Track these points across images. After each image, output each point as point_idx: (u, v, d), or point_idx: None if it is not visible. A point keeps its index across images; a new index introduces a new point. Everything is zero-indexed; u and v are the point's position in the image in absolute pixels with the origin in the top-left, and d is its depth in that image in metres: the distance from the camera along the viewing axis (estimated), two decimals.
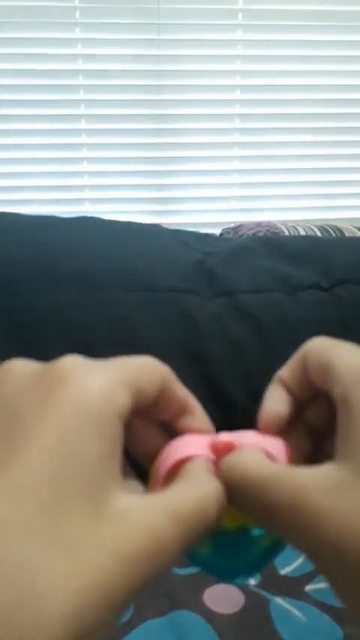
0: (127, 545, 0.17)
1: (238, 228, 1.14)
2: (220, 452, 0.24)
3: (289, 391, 0.25)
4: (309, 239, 0.77)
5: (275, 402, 0.25)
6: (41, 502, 0.16)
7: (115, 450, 0.19)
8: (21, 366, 0.20)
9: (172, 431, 0.25)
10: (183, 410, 0.24)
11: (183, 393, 0.24)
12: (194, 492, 0.20)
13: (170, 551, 0.18)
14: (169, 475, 0.23)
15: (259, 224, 1.12)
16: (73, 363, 0.20)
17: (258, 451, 0.23)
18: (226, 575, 0.24)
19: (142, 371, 0.21)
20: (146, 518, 0.18)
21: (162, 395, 0.23)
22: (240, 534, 0.24)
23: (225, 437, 0.24)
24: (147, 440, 0.24)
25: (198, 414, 0.25)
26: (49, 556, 0.15)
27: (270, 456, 0.23)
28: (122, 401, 0.19)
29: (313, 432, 0.26)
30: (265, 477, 0.20)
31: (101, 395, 0.19)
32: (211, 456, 0.23)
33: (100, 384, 0.19)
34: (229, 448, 0.24)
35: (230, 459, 0.22)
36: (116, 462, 0.19)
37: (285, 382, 0.25)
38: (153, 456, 0.24)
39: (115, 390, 0.19)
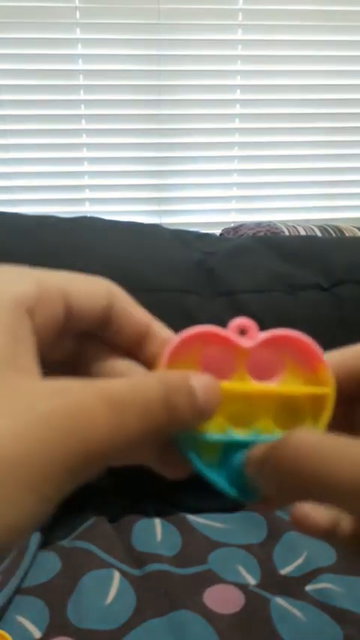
0: (40, 405, 0.16)
1: (238, 228, 1.14)
2: (241, 329, 0.21)
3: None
4: (309, 239, 0.77)
5: None
6: None
7: (14, 337, 0.18)
8: None
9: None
10: (143, 335, 0.22)
11: (142, 315, 0.22)
12: (133, 380, 0.19)
13: (100, 429, 0.16)
14: (175, 362, 0.21)
15: (259, 224, 1.12)
16: None
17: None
18: (235, 492, 0.21)
19: (78, 280, 0.21)
20: (68, 390, 0.17)
21: (113, 315, 0.22)
22: (250, 444, 0.21)
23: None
24: (107, 366, 0.23)
25: (161, 339, 0.23)
26: None
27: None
28: (20, 289, 0.18)
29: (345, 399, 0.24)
30: (323, 450, 0.18)
31: None
32: (227, 336, 0.21)
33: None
34: (249, 326, 0.22)
35: (277, 438, 0.19)
36: (21, 350, 0.18)
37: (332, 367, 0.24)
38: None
39: (15, 280, 0.19)
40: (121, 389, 0.18)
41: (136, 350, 0.23)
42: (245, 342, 0.22)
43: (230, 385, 0.21)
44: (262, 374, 0.22)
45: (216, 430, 0.21)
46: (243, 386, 0.21)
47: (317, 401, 0.22)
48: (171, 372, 0.20)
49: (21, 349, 0.18)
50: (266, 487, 0.19)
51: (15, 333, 0.18)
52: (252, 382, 0.22)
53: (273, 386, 0.22)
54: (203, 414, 0.19)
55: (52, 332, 0.20)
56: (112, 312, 0.22)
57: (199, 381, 0.19)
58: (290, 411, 0.22)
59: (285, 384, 0.22)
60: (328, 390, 0.22)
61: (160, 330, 0.23)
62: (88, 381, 0.17)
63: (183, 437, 0.20)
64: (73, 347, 0.22)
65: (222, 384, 0.21)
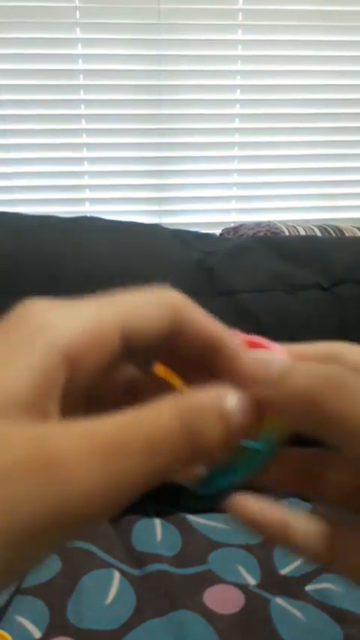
0: (10, 454, 0.14)
1: (238, 228, 1.14)
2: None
3: None
4: (309, 239, 0.77)
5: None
6: None
7: (38, 380, 0.16)
8: None
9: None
10: (214, 347, 0.20)
11: (212, 326, 0.20)
12: (137, 412, 0.16)
13: (81, 483, 0.14)
14: None
15: (259, 224, 1.12)
16: (37, 307, 0.18)
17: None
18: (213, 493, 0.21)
19: (139, 305, 0.19)
20: (44, 435, 0.15)
21: (180, 329, 0.20)
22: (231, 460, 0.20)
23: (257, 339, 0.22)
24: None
25: (231, 352, 0.21)
26: None
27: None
28: (65, 334, 0.17)
29: None
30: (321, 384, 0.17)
31: (36, 326, 0.17)
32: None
33: (47, 319, 0.18)
34: (262, 347, 0.22)
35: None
36: (35, 391, 0.16)
37: None
38: None
39: (65, 323, 0.17)
40: (118, 426, 0.15)
41: (208, 363, 0.21)
42: None
43: None
44: None
45: None
46: None
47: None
48: (194, 392, 0.17)
49: (41, 396, 0.16)
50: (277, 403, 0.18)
51: (40, 381, 0.16)
52: None
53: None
54: (236, 437, 0.17)
55: (105, 366, 0.19)
56: (180, 327, 0.20)
57: (233, 399, 0.17)
58: None
59: None
60: None
61: (228, 342, 0.21)
62: (77, 422, 0.15)
63: None
64: (134, 371, 0.22)
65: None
